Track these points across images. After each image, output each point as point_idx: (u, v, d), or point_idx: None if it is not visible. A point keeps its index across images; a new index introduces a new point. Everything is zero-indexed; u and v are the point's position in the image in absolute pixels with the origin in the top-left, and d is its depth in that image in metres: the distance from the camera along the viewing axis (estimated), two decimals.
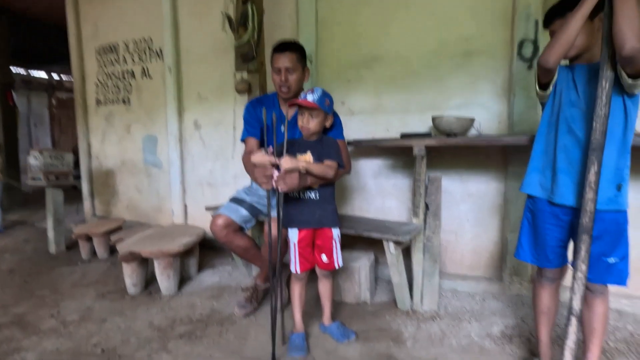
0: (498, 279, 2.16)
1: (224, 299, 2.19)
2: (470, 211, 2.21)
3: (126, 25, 3.39)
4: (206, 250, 2.93)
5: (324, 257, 1.63)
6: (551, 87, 1.33)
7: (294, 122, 1.87)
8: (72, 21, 3.72)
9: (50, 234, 3.09)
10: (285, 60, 1.79)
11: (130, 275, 2.21)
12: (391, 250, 1.79)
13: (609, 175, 1.25)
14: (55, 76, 9.68)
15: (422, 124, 2.26)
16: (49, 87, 10.10)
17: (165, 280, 2.20)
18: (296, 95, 1.85)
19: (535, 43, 1.92)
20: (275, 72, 1.84)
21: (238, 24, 2.21)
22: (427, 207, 1.94)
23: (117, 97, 3.56)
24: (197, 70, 3.08)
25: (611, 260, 1.29)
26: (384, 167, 2.41)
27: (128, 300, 2.19)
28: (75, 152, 3.76)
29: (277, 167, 1.47)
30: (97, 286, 2.42)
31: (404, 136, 1.96)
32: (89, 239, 2.91)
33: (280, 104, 1.96)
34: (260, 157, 1.47)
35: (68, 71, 8.91)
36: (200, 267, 2.63)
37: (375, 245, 2.11)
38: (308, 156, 1.57)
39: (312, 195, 1.57)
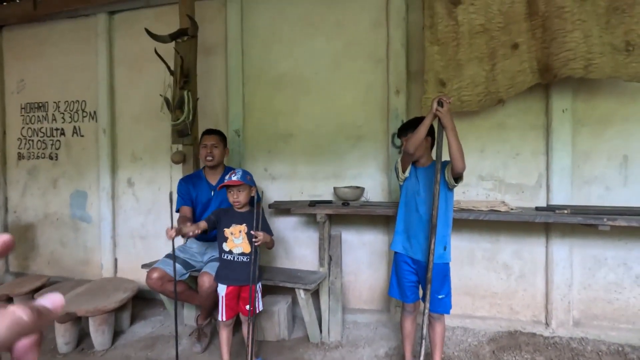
0: (387, 310, 2.78)
1: (157, 348, 2.44)
2: (365, 256, 2.84)
3: (57, 86, 3.54)
4: (137, 300, 3.10)
5: (248, 307, 2.06)
6: (408, 173, 1.99)
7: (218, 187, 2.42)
8: None
9: None
10: (211, 139, 2.45)
11: (63, 335, 2.35)
12: (301, 296, 2.29)
13: (439, 240, 1.91)
14: None
15: (328, 189, 2.86)
16: None
17: (99, 336, 2.38)
18: (218, 165, 2.48)
19: None
20: (202, 147, 2.45)
21: (175, 107, 2.63)
22: (330, 258, 2.50)
23: (43, 153, 3.61)
24: (131, 131, 3.35)
25: (440, 296, 1.95)
26: (299, 223, 2.95)
27: (60, 359, 2.32)
28: None
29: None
30: None
31: (311, 204, 2.52)
32: (9, 299, 2.89)
33: (206, 176, 2.51)
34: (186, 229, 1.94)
35: None
36: (133, 319, 2.82)
37: (292, 289, 2.59)
38: (243, 227, 2.01)
39: (244, 258, 2.01)
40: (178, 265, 2.32)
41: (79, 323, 2.44)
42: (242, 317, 2.10)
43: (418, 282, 2.03)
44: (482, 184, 2.59)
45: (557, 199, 2.42)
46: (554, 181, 2.43)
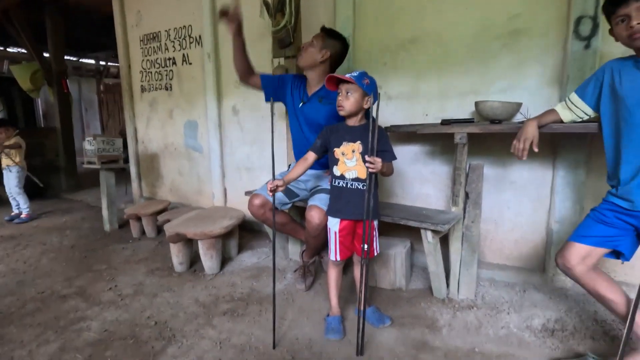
0: (540, 270, 2.08)
1: (262, 279, 2.29)
2: (512, 199, 2.13)
3: (167, 14, 3.48)
4: (245, 232, 3.07)
5: (364, 246, 1.65)
6: None
7: (313, 99, 2.03)
8: (117, 11, 3.88)
9: (105, 213, 3.35)
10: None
11: (177, 255, 2.37)
12: (429, 239, 1.78)
13: None
14: (102, 62, 10.13)
15: (461, 109, 2.17)
16: (97, 73, 10.64)
17: (208, 260, 2.33)
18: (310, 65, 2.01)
19: (594, 19, 1.76)
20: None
21: (275, 10, 2.21)
22: (467, 195, 1.89)
23: (160, 84, 3.71)
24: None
25: None
26: (421, 154, 2.36)
27: (175, 277, 2.36)
28: (122, 135, 4.00)
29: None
30: (147, 263, 2.61)
31: (445, 122, 1.90)
32: (138, 219, 3.13)
33: (307, 85, 2.08)
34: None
35: (114, 58, 9.34)
36: (240, 249, 2.76)
37: (411, 233, 2.10)
38: (357, 145, 1.55)
39: (360, 185, 1.57)
40: (280, 194, 2.04)
41: (190, 246, 2.43)
42: (355, 257, 1.72)
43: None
44: None
45: None
46: None
